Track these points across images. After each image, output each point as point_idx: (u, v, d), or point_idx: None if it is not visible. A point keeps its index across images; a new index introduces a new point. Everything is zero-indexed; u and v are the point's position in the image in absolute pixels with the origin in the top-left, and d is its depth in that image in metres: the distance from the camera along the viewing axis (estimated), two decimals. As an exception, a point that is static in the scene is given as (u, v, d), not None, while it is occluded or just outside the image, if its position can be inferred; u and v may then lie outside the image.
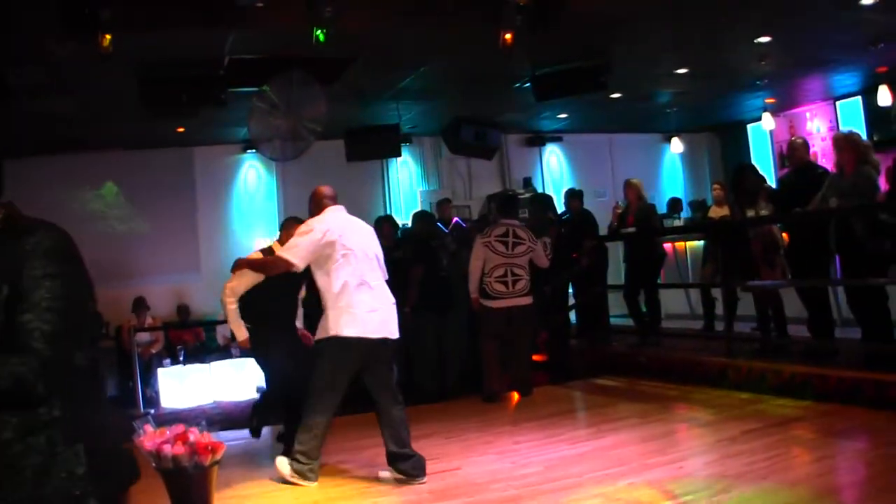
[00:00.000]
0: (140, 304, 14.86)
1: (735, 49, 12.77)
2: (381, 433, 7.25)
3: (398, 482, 7.16)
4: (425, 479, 7.10)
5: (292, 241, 7.32)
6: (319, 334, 7.26)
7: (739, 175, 11.41)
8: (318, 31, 9.40)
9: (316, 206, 7.57)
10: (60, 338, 2.42)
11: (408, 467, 7.13)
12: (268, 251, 8.25)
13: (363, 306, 7.16)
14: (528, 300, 11.08)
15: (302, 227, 7.40)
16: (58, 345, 2.41)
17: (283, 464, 7.31)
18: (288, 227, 8.38)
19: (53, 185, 15.46)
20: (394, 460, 7.18)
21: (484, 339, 11.17)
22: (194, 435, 5.62)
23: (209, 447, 5.54)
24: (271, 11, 9.29)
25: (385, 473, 7.31)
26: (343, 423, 8.55)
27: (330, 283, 7.15)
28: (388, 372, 7.48)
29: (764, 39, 12.19)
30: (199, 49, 10.66)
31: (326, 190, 7.69)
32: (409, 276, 11.40)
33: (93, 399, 2.66)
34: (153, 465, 5.61)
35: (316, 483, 7.18)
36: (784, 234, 10.74)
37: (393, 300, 7.49)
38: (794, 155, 10.58)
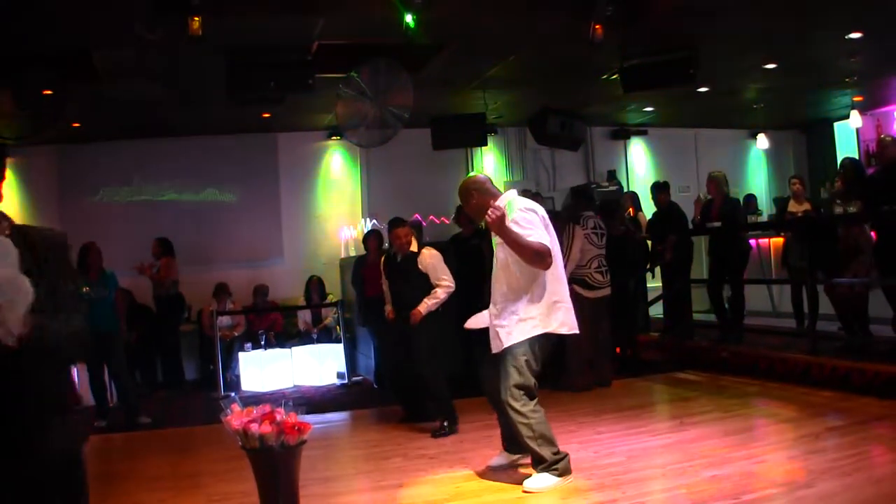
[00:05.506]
0: (221, 290, 14.94)
1: (825, 45, 12.54)
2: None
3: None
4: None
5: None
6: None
7: (858, 168, 11.41)
8: (409, 18, 9.44)
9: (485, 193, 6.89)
10: None
11: None
12: None
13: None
14: (610, 290, 11.15)
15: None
16: None
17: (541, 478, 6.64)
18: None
19: (140, 169, 15.73)
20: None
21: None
22: (281, 415, 5.67)
23: (296, 427, 5.59)
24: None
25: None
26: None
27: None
28: None
29: (855, 35, 11.96)
30: (289, 33, 10.73)
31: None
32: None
33: None
34: (239, 443, 5.67)
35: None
36: (872, 233, 10.62)
37: None
38: (884, 153, 10.41)
